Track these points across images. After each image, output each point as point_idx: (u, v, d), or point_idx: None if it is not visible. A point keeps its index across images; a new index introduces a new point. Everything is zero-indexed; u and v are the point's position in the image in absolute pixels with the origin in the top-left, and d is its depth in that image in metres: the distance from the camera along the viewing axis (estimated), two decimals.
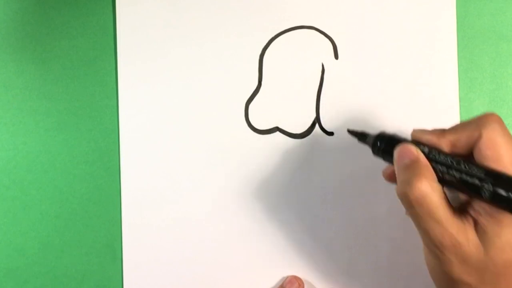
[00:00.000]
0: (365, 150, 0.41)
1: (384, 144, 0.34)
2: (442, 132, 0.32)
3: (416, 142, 0.33)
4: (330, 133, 0.42)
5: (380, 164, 0.40)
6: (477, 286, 0.30)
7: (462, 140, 0.31)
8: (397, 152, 0.32)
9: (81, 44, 0.42)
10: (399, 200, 0.39)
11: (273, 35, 0.42)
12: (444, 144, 0.32)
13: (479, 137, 0.30)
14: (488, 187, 0.28)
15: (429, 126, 0.41)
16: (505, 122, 0.42)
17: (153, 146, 0.42)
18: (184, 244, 0.42)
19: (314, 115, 0.42)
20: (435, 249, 0.30)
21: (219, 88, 0.42)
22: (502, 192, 0.27)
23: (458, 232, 0.29)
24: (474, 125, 0.31)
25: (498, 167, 0.29)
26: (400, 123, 0.42)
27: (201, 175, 0.42)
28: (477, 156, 0.30)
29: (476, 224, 0.30)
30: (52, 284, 0.42)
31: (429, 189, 0.30)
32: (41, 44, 0.42)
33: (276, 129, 0.42)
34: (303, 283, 0.41)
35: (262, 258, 0.42)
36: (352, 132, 0.37)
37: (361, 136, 0.36)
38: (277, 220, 0.42)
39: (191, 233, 0.42)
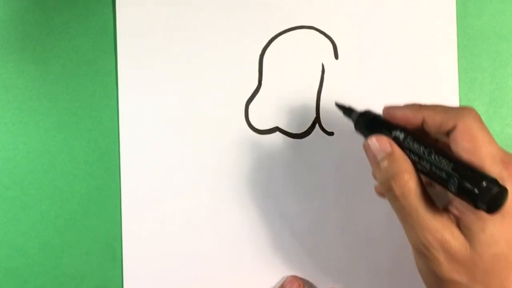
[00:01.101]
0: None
1: (366, 123, 0.34)
2: (417, 107, 0.32)
3: (393, 126, 0.33)
4: (330, 133, 0.42)
5: None
6: (469, 284, 0.30)
7: (436, 121, 0.31)
8: (372, 143, 0.32)
9: (81, 44, 0.42)
10: None
11: (273, 35, 0.42)
12: (417, 119, 0.32)
13: (455, 126, 0.30)
14: (454, 181, 0.28)
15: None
16: (505, 122, 0.42)
17: (153, 146, 0.42)
18: (184, 244, 0.42)
19: (314, 115, 0.42)
20: (421, 248, 0.30)
21: (219, 88, 0.42)
22: (468, 186, 0.28)
23: (443, 228, 0.29)
24: (453, 112, 0.31)
25: (474, 159, 0.29)
26: None
27: (201, 175, 0.42)
28: (453, 146, 0.30)
29: (458, 222, 0.30)
30: (52, 284, 0.42)
31: (411, 181, 0.30)
32: (41, 44, 0.42)
33: (276, 129, 0.42)
34: (303, 283, 0.41)
35: (262, 258, 0.42)
36: (339, 106, 0.37)
37: (346, 110, 0.37)
38: (277, 220, 0.42)
39: (191, 233, 0.42)
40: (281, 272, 0.42)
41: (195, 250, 0.42)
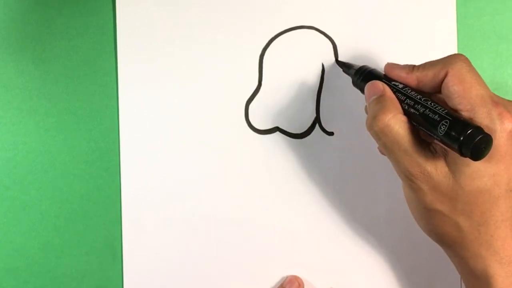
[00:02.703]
0: (365, 150, 0.41)
1: (362, 77, 0.37)
2: (411, 68, 0.34)
3: (389, 78, 0.35)
4: (330, 133, 0.42)
5: (380, 163, 0.40)
6: (450, 214, 0.31)
7: (428, 77, 0.33)
8: (366, 88, 0.34)
9: (81, 44, 0.42)
10: (399, 200, 0.39)
11: (273, 35, 0.42)
12: (411, 79, 0.34)
13: (446, 74, 0.32)
14: (444, 123, 0.30)
15: None
16: None
17: (153, 146, 0.42)
18: (184, 244, 0.42)
19: (314, 115, 0.42)
20: (406, 179, 0.32)
21: (219, 88, 0.42)
22: (454, 134, 0.29)
23: (426, 161, 0.31)
24: (442, 63, 0.32)
25: (464, 101, 0.31)
26: None
27: (201, 175, 0.42)
28: (445, 92, 0.32)
29: (447, 156, 0.31)
30: (52, 284, 0.42)
31: (392, 120, 0.31)
32: (41, 44, 0.42)
33: (276, 129, 0.42)
34: (303, 283, 0.41)
35: (262, 258, 0.42)
36: (339, 63, 0.41)
37: (345, 67, 0.40)
38: (276, 220, 0.42)
39: (191, 233, 0.42)
40: (281, 272, 0.42)
41: (195, 250, 0.42)
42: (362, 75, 0.37)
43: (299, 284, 0.41)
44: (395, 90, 0.34)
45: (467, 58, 0.32)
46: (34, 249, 0.42)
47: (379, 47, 0.42)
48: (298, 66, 0.42)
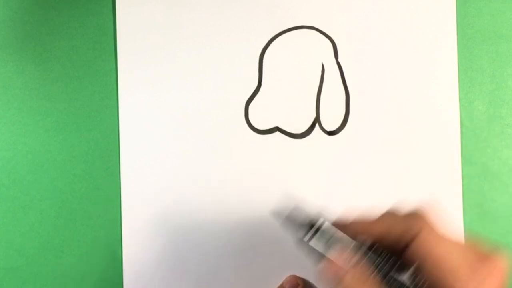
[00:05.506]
0: (365, 150, 0.41)
1: (309, 238, 0.31)
2: (370, 224, 0.31)
3: (350, 240, 0.31)
4: (330, 133, 0.42)
5: (379, 163, 0.40)
6: None
7: (391, 237, 0.30)
8: (324, 271, 0.31)
9: (81, 44, 0.42)
10: (398, 200, 0.39)
11: (273, 35, 0.42)
12: (371, 237, 0.31)
13: (412, 240, 0.29)
14: None
15: (429, 126, 0.41)
16: (505, 122, 0.42)
17: (153, 146, 0.42)
18: (184, 244, 0.42)
19: (314, 115, 0.42)
20: None
21: (219, 88, 0.42)
22: None
23: None
24: (405, 225, 0.30)
25: (441, 275, 0.28)
26: (400, 123, 0.42)
27: (201, 175, 0.42)
28: (417, 260, 0.29)
29: None
30: (52, 284, 0.42)
31: None
32: (41, 44, 0.42)
33: (276, 129, 0.42)
34: (303, 282, 0.41)
35: (262, 258, 0.42)
36: (275, 214, 0.33)
37: (285, 219, 0.32)
38: (277, 220, 0.42)
39: (191, 233, 0.42)
40: (281, 271, 0.42)
41: (195, 250, 0.42)
42: (309, 237, 0.31)
43: (299, 284, 0.41)
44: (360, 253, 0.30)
45: (430, 218, 0.30)
46: (34, 249, 0.42)
47: (379, 47, 0.42)
48: (298, 66, 0.42)
